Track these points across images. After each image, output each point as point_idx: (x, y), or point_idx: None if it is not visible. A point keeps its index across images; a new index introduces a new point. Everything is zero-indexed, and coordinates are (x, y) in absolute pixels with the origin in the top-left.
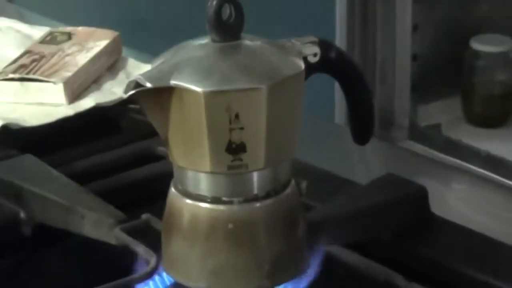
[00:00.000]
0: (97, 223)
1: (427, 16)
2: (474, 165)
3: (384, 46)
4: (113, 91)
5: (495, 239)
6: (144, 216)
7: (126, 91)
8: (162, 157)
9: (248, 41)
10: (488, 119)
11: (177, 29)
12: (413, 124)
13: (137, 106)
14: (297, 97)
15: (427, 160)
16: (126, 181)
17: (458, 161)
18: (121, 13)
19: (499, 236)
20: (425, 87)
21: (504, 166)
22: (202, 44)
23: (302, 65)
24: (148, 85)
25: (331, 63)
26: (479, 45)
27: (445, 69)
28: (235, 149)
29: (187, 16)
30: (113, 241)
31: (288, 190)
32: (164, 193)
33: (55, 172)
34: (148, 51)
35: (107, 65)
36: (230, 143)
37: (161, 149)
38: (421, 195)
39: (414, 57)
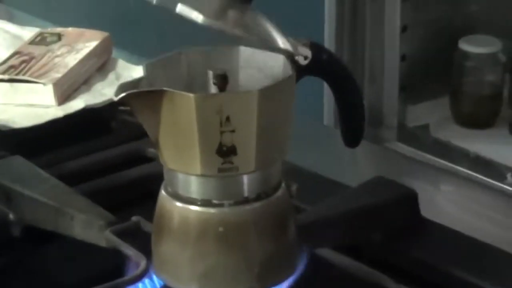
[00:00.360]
0: (87, 225)
1: (416, 16)
2: (463, 166)
3: (373, 46)
4: (103, 92)
5: (483, 242)
6: (134, 218)
7: (117, 94)
8: (152, 159)
9: (241, 46)
10: (477, 120)
11: (168, 31)
12: (401, 125)
13: (128, 108)
14: (288, 100)
15: (415, 161)
16: (116, 183)
17: (447, 163)
18: (111, 14)
19: (487, 237)
20: (413, 87)
21: (493, 167)
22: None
23: (293, 68)
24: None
25: (322, 66)
26: (468, 46)
27: (434, 70)
28: (226, 151)
29: (176, 16)
30: (103, 244)
31: (279, 193)
32: (154, 195)
33: (44, 174)
34: (138, 52)
35: (97, 66)
36: (220, 145)
37: (151, 150)
38: (411, 198)
39: (403, 58)
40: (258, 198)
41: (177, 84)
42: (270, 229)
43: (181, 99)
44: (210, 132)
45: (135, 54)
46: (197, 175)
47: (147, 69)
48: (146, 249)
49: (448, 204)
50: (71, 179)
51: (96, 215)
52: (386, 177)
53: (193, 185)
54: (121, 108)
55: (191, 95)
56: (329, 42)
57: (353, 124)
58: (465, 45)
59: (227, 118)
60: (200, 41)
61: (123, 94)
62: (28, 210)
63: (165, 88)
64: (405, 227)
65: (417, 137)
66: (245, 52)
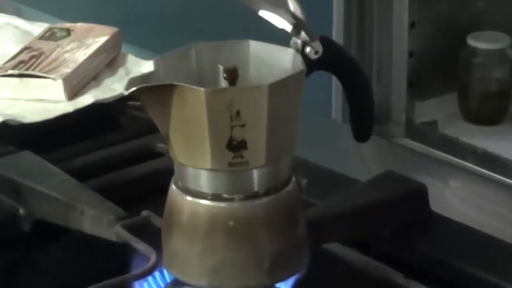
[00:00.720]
0: (97, 220)
1: (424, 13)
2: (471, 162)
3: (381, 42)
4: (112, 87)
5: (493, 237)
6: (144, 212)
7: (127, 88)
8: (162, 154)
9: (251, 40)
10: (485, 116)
11: (176, 25)
12: (409, 121)
13: (137, 103)
14: (298, 95)
15: (423, 157)
16: (125, 178)
17: (455, 159)
18: (120, 9)
19: (496, 233)
20: (421, 84)
21: (501, 163)
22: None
23: (303, 63)
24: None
25: (332, 61)
26: (475, 42)
27: (441, 66)
28: (236, 146)
29: (185, 11)
30: (113, 238)
31: (289, 187)
32: (164, 190)
33: (54, 169)
34: (147, 47)
35: (107, 61)
36: (231, 140)
37: (161, 145)
38: (421, 192)
39: (411, 54)
40: (268, 192)
41: (187, 78)
42: (279, 223)
43: (192, 93)
44: (220, 127)
45: (144, 48)
46: (207, 170)
47: (157, 64)
48: (156, 244)
49: (455, 199)
50: (81, 174)
51: (106, 210)
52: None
53: (203, 180)
54: (131, 103)
55: (202, 89)
56: (337, 38)
57: (363, 119)
58: (472, 41)
59: (237, 113)
60: (208, 35)
61: (133, 89)
62: (38, 205)
63: (175, 83)
64: (415, 222)
65: (425, 133)
66: (255, 46)
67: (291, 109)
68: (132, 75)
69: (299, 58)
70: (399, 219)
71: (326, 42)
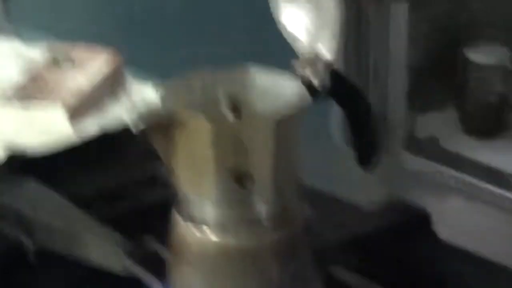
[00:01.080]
0: (103, 252)
1: (422, 25)
2: (473, 176)
3: (378, 55)
4: (116, 114)
5: (497, 263)
6: (151, 243)
7: (136, 127)
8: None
9: (254, 68)
10: (484, 129)
11: (173, 44)
12: (409, 135)
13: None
14: (300, 125)
15: (423, 173)
16: (131, 207)
17: (456, 173)
18: (117, 27)
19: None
20: (421, 97)
21: (502, 177)
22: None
23: (308, 95)
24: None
25: (338, 92)
26: (473, 55)
27: (440, 79)
28: (242, 178)
29: (185, 29)
30: (120, 270)
31: (296, 218)
32: (170, 218)
33: (57, 197)
34: (146, 66)
35: (109, 87)
36: (236, 172)
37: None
38: (425, 220)
39: (409, 67)
40: (275, 224)
41: (192, 108)
42: (287, 255)
43: (198, 126)
44: (226, 159)
45: (143, 67)
46: (212, 202)
47: (162, 96)
48: (163, 275)
49: (457, 216)
50: (85, 202)
51: (112, 242)
52: (395, 188)
53: (209, 211)
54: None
55: (208, 123)
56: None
57: (367, 146)
58: (471, 55)
59: (243, 145)
60: (205, 51)
61: (142, 127)
62: (43, 235)
63: (182, 116)
64: (420, 250)
65: (425, 147)
66: (259, 75)
67: (294, 139)
68: (134, 100)
69: (304, 89)
70: (404, 247)
71: (337, 78)
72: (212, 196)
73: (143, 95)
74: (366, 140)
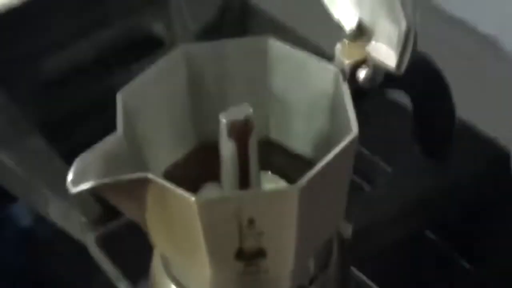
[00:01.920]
0: (65, 215)
1: None
2: None
3: None
4: None
5: None
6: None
7: (72, 186)
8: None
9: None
10: None
11: None
12: None
13: None
14: (347, 168)
15: None
16: None
17: None
18: None
19: None
20: None
21: None
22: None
23: (355, 125)
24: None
25: (416, 89)
26: None
27: None
28: (250, 256)
29: None
30: (85, 243)
31: (330, 270)
32: None
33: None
34: None
35: None
36: (241, 250)
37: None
38: None
39: None
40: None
41: (176, 99)
42: None
43: (177, 199)
44: (224, 237)
45: None
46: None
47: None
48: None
49: None
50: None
51: (76, 205)
52: None
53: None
54: None
55: (192, 198)
56: None
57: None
58: None
59: (250, 221)
60: None
61: (81, 188)
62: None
63: (150, 177)
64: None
65: None
66: (280, 51)
67: (335, 190)
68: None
69: (346, 88)
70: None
71: (411, 66)
72: (205, 272)
73: None
74: (437, 139)
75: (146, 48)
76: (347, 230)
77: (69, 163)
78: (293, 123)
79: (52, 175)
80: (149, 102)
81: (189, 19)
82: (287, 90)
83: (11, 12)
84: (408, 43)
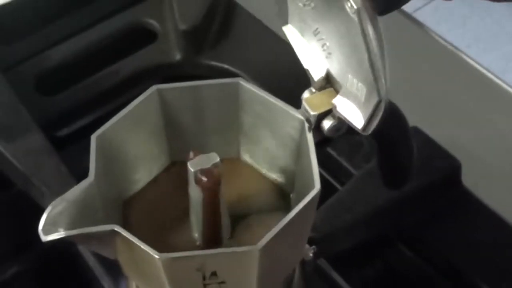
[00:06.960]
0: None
1: None
2: None
3: None
4: None
5: None
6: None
7: (44, 234)
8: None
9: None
10: None
11: None
12: None
13: None
14: (308, 222)
15: None
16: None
17: None
18: None
19: None
20: None
21: None
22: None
23: (318, 181)
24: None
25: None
26: None
27: None
28: None
29: None
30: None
31: None
32: None
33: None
34: None
35: None
36: None
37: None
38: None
39: None
40: None
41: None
42: None
43: (142, 253)
44: (188, 286)
45: None
46: None
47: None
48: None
49: None
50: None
51: None
52: None
53: None
54: None
55: (156, 256)
56: None
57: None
58: None
59: (213, 273)
60: None
61: (56, 236)
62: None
63: (117, 229)
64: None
65: None
66: (249, 94)
67: (297, 239)
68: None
69: (310, 137)
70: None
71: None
72: None
73: None
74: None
75: (141, 41)
76: (308, 252)
77: (67, 158)
78: (262, 158)
79: (50, 173)
80: (124, 141)
81: (179, 17)
82: (256, 128)
83: (10, 7)
84: (378, 112)
